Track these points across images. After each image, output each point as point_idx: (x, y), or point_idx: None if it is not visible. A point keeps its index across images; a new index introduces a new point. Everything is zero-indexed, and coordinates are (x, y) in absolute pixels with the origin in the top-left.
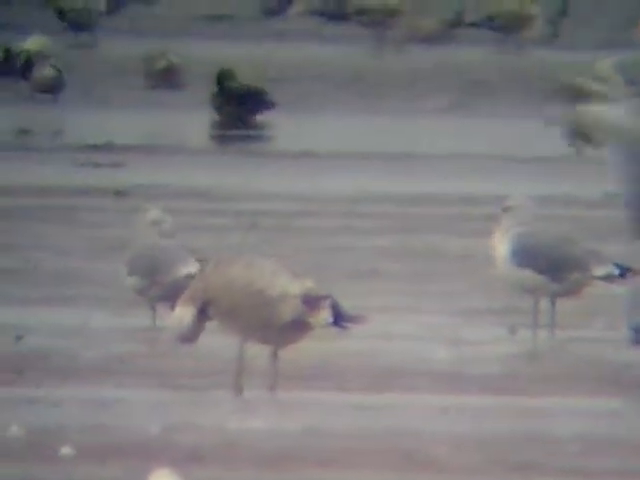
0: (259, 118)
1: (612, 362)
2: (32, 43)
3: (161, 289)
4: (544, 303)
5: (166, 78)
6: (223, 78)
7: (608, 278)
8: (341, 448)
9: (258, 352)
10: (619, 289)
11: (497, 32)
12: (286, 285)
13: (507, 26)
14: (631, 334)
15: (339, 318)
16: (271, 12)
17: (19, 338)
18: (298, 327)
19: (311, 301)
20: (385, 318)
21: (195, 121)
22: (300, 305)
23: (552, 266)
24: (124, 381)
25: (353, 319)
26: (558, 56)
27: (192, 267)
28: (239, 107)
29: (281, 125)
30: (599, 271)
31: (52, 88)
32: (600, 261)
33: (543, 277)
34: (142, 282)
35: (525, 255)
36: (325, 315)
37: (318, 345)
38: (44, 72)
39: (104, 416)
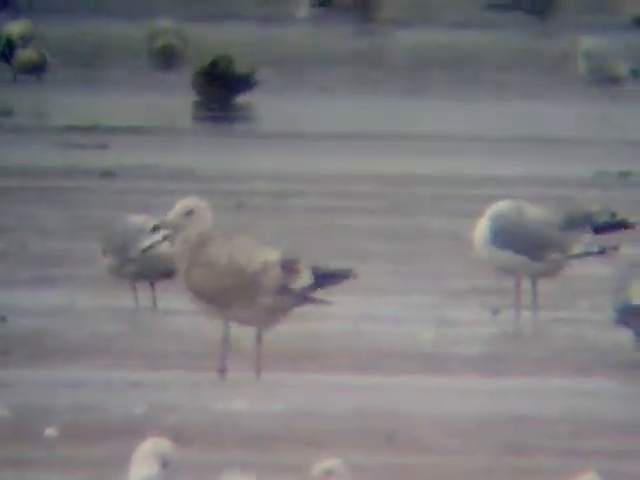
0: (246, 99)
1: (596, 343)
2: (14, 26)
3: (132, 266)
4: (526, 284)
5: (164, 58)
6: (219, 64)
7: (587, 254)
8: (326, 429)
9: (243, 333)
10: (602, 270)
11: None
12: (265, 256)
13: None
14: (615, 315)
15: (322, 278)
16: None
17: (3, 319)
18: (282, 298)
19: (290, 266)
20: (371, 299)
21: (183, 102)
22: (280, 271)
23: (531, 246)
24: (109, 362)
25: (338, 275)
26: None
27: (156, 237)
28: (220, 88)
29: (268, 106)
30: (578, 249)
31: (35, 70)
32: (579, 239)
33: (522, 257)
34: (114, 261)
35: (504, 236)
36: (306, 276)
37: (303, 326)
38: (27, 54)
39: (89, 397)
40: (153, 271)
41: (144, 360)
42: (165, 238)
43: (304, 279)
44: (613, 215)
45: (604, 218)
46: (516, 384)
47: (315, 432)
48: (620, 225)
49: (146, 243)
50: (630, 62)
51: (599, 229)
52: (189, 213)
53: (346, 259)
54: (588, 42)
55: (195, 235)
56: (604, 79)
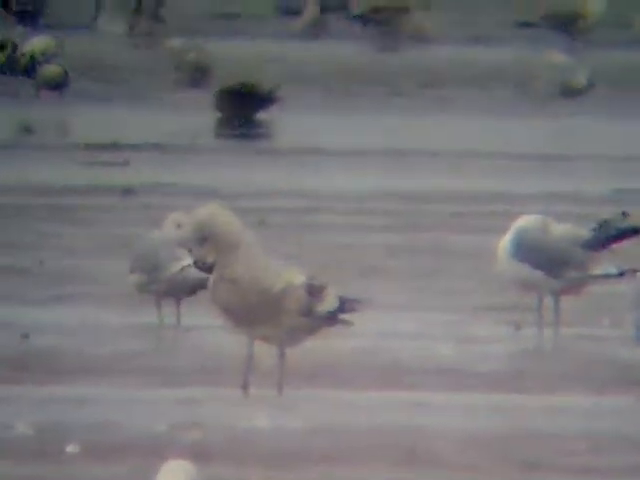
0: (265, 116)
1: (618, 360)
2: (37, 42)
3: (161, 285)
4: (548, 301)
5: (188, 75)
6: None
7: (606, 278)
8: (347, 446)
9: (265, 350)
10: (624, 287)
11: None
12: (289, 277)
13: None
14: (637, 332)
15: (344, 304)
16: (285, 11)
17: (25, 337)
18: (306, 320)
19: (315, 290)
20: (391, 315)
21: (203, 120)
22: (305, 294)
23: (549, 262)
24: (130, 379)
25: (358, 304)
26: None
27: (186, 261)
28: (241, 105)
29: (287, 123)
30: (597, 270)
31: (57, 85)
32: (599, 260)
33: (540, 272)
34: (142, 279)
35: (523, 249)
36: (331, 301)
37: (324, 343)
38: (49, 70)
39: (110, 414)
40: (182, 290)
41: (166, 377)
42: (196, 263)
43: (329, 303)
44: (624, 215)
45: (616, 224)
46: (536, 401)
47: (336, 449)
48: (633, 231)
49: (177, 266)
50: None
51: (611, 238)
52: (208, 230)
53: (365, 276)
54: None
55: (223, 247)
56: (565, 91)
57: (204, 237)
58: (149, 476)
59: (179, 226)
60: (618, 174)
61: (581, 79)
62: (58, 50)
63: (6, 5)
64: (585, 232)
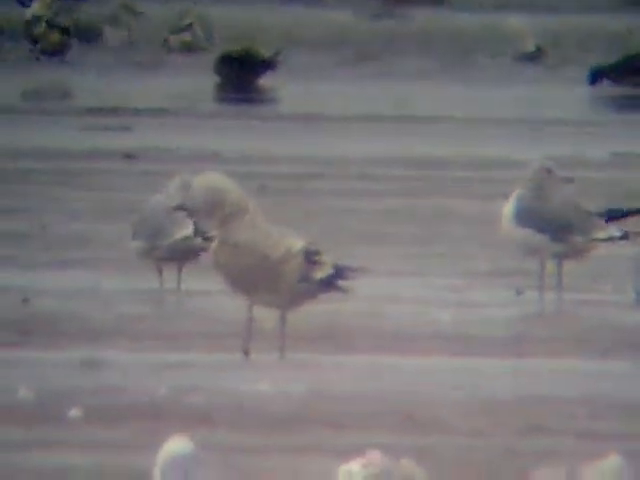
0: (265, 81)
1: (620, 325)
2: (37, 6)
3: (162, 252)
4: (551, 265)
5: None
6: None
7: (610, 240)
8: (348, 410)
9: (266, 314)
10: (626, 252)
11: None
12: (288, 244)
13: None
14: (637, 296)
15: (341, 271)
16: None
17: (25, 301)
18: (304, 286)
19: (312, 257)
20: (392, 281)
21: (203, 85)
22: (303, 262)
23: (553, 227)
24: (132, 343)
25: (354, 271)
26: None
27: (188, 229)
28: (243, 70)
29: (288, 88)
30: (600, 233)
31: (58, 51)
32: (602, 223)
33: (544, 237)
34: (144, 245)
35: (526, 215)
36: (328, 268)
37: (325, 307)
38: (50, 35)
39: (113, 378)
40: (183, 256)
41: (167, 342)
42: (197, 231)
43: (326, 270)
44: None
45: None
46: (538, 365)
47: (337, 413)
48: (635, 211)
49: (179, 234)
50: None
51: (612, 217)
52: (213, 200)
53: (366, 241)
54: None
55: (225, 215)
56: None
57: (207, 206)
58: (151, 440)
59: (184, 187)
60: (619, 138)
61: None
62: (60, 14)
63: None
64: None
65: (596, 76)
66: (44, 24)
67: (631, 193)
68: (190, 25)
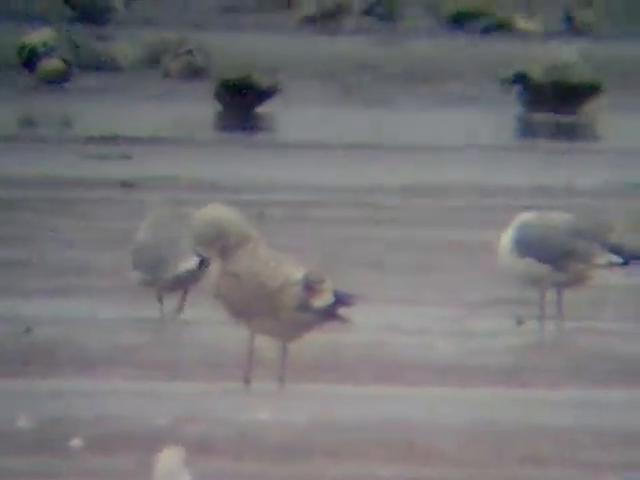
0: (265, 109)
1: (621, 354)
2: (38, 35)
3: (164, 283)
4: (551, 294)
5: (183, 68)
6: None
7: (611, 266)
8: (347, 440)
9: (267, 343)
10: (626, 280)
11: None
12: (287, 274)
13: None
14: None
15: (340, 299)
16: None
17: (28, 330)
18: (303, 314)
19: (311, 286)
20: (392, 310)
21: (203, 113)
22: (301, 291)
23: (554, 255)
24: (132, 372)
25: (354, 299)
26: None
27: (192, 262)
28: (243, 99)
29: (288, 116)
30: (602, 260)
31: (58, 80)
32: (603, 250)
33: (546, 267)
34: (145, 276)
35: (527, 244)
36: (327, 296)
37: (325, 337)
38: (50, 64)
39: (113, 407)
40: (186, 286)
41: (168, 370)
42: (202, 264)
43: (325, 298)
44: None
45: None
46: (539, 395)
47: (337, 443)
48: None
49: (183, 266)
50: None
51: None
52: (218, 233)
53: (365, 270)
54: None
55: (229, 248)
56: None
57: (211, 239)
58: (152, 468)
59: (181, 219)
60: (612, 166)
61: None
62: (60, 42)
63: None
64: (585, 222)
65: None
66: (43, 52)
67: None
68: (190, 52)
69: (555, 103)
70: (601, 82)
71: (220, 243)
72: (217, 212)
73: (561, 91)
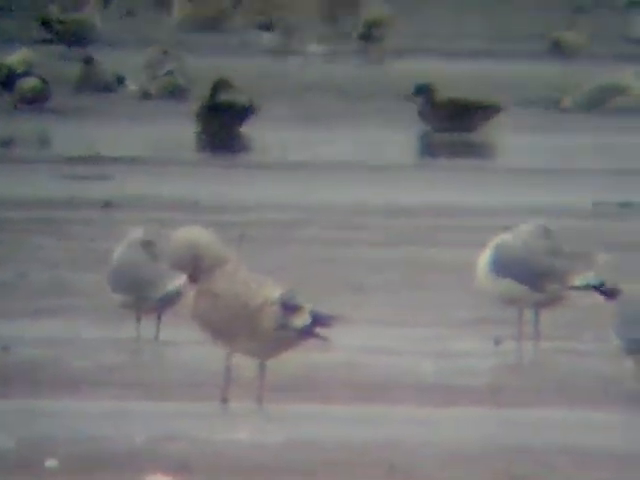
0: (249, 129)
1: (599, 374)
2: (16, 55)
3: (147, 305)
4: (529, 314)
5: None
6: (219, 87)
7: (587, 288)
8: (326, 460)
9: (245, 363)
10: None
11: None
12: (266, 294)
13: None
14: (623, 343)
15: (318, 319)
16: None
17: (5, 349)
18: (282, 333)
19: (289, 305)
20: (372, 330)
21: (184, 132)
22: (280, 311)
23: (530, 276)
24: (110, 392)
25: (332, 319)
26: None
27: (177, 282)
28: (223, 118)
29: (271, 136)
30: (578, 281)
31: (37, 99)
32: (580, 271)
33: (523, 287)
34: (127, 298)
35: (504, 265)
36: (305, 317)
37: (304, 356)
38: (28, 83)
39: (91, 427)
40: (170, 306)
41: (145, 390)
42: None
43: (302, 319)
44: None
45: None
46: (517, 415)
47: (315, 463)
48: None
49: (171, 286)
50: None
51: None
52: (193, 255)
53: (347, 290)
54: None
55: (205, 270)
56: None
57: (186, 261)
58: None
59: (148, 243)
60: (603, 187)
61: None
62: (37, 62)
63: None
64: (561, 243)
65: None
66: (22, 72)
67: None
68: (171, 72)
69: (454, 121)
70: (499, 102)
71: (194, 265)
72: (191, 235)
73: (461, 109)
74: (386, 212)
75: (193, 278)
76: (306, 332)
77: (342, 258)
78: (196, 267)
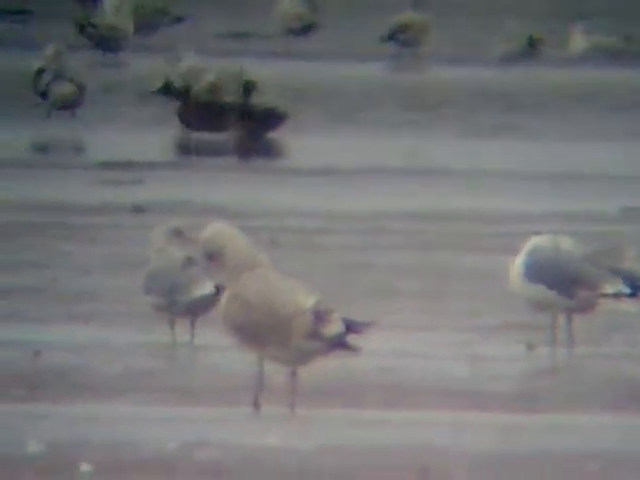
0: (279, 135)
1: (632, 378)
2: (44, 55)
3: (179, 308)
4: (561, 319)
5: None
6: (247, 90)
7: (618, 296)
8: (358, 465)
9: (277, 368)
10: (637, 306)
11: None
12: (299, 302)
13: None
14: None
15: (351, 327)
16: (294, 31)
17: (37, 354)
18: (313, 343)
19: (322, 313)
20: (403, 336)
21: (216, 137)
22: (311, 318)
23: (561, 282)
24: (143, 397)
25: (364, 327)
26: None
27: (208, 288)
28: (254, 124)
29: (299, 142)
30: (609, 289)
31: (71, 105)
32: (611, 278)
33: (554, 293)
34: (160, 301)
35: (537, 270)
36: (337, 325)
37: (336, 362)
38: (63, 89)
39: (123, 433)
40: (200, 311)
41: (178, 395)
42: (217, 289)
43: (335, 327)
44: None
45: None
46: (551, 420)
47: (347, 468)
48: None
49: (198, 292)
50: None
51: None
52: (219, 249)
53: (376, 296)
54: None
55: (231, 267)
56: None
57: (211, 254)
58: None
59: (177, 235)
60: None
61: None
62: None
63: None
64: (594, 249)
65: None
66: (52, 77)
67: None
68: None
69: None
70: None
71: (220, 260)
72: (217, 229)
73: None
74: (417, 217)
75: (215, 263)
76: (338, 342)
77: (372, 264)
78: (221, 262)
